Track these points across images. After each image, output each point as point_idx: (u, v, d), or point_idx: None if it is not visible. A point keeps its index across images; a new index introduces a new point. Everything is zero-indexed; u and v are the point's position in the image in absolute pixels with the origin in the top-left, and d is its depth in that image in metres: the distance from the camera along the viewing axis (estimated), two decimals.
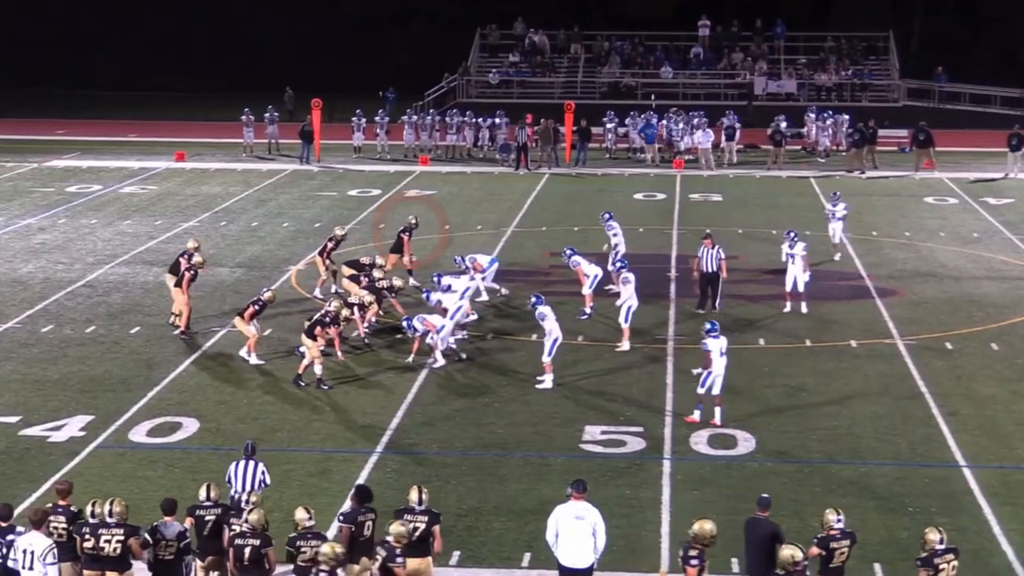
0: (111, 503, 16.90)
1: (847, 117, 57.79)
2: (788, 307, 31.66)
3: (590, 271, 31.60)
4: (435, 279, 30.36)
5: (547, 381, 26.63)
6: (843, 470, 22.38)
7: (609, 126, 57.33)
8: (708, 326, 25.14)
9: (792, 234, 32.42)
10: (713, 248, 31.61)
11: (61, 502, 17.38)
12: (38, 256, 37.90)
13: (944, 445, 23.50)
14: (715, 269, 31.44)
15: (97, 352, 28.86)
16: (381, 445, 23.48)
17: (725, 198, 47.06)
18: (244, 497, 17.85)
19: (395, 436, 23.94)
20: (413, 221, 34.89)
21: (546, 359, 26.69)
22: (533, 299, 27.54)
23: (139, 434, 24.01)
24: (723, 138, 55.09)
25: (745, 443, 23.56)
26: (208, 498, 17.63)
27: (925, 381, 26.76)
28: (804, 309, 31.55)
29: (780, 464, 22.64)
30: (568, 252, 32.65)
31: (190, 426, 24.37)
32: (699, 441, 23.60)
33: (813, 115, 57.94)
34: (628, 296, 29.13)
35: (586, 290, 31.58)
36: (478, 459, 22.87)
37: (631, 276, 29.37)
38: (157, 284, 33.65)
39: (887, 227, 41.97)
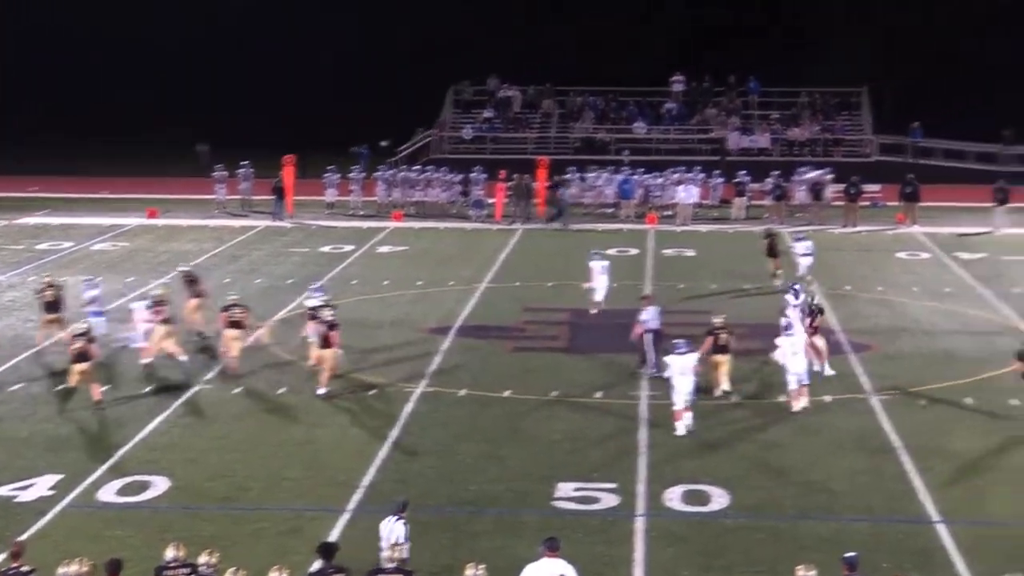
0: (78, 563, 16.80)
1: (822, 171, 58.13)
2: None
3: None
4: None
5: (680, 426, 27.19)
6: (817, 526, 22.35)
7: (573, 179, 57.36)
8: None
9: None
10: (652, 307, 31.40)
11: (13, 564, 17.29)
12: (8, 313, 37.75)
13: (918, 501, 23.49)
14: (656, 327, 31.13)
15: (66, 410, 28.70)
16: (354, 502, 23.36)
17: (699, 253, 47.19)
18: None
19: (368, 493, 23.83)
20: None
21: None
22: None
23: (108, 493, 23.84)
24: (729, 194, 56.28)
25: (719, 499, 23.52)
26: (175, 558, 17.52)
27: (899, 436, 26.78)
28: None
29: (755, 520, 22.61)
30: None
31: (160, 485, 24.21)
32: (673, 497, 23.54)
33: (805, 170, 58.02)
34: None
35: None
36: (452, 516, 22.78)
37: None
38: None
39: (860, 282, 42.11)
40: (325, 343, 29.65)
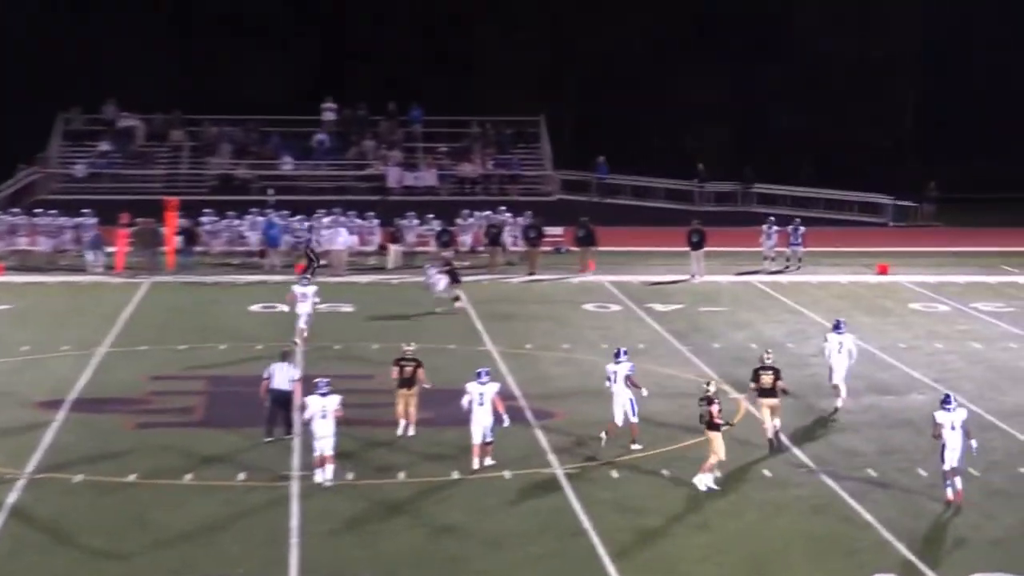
0: None
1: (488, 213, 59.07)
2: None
3: None
4: None
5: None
6: None
7: (209, 226, 56.98)
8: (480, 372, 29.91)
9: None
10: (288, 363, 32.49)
11: None
12: None
13: None
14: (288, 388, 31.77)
15: None
16: None
17: (358, 307, 47.27)
18: None
19: None
20: None
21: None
22: None
23: None
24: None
25: None
26: None
27: (589, 516, 27.20)
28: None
29: None
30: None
31: None
32: None
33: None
34: None
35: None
36: None
37: None
38: None
39: (542, 338, 42.82)
40: None
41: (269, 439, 31.44)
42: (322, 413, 28.70)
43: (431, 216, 57.80)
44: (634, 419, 31.57)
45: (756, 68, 79.69)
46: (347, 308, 47.41)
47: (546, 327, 44.70)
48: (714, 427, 28.99)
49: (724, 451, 29.11)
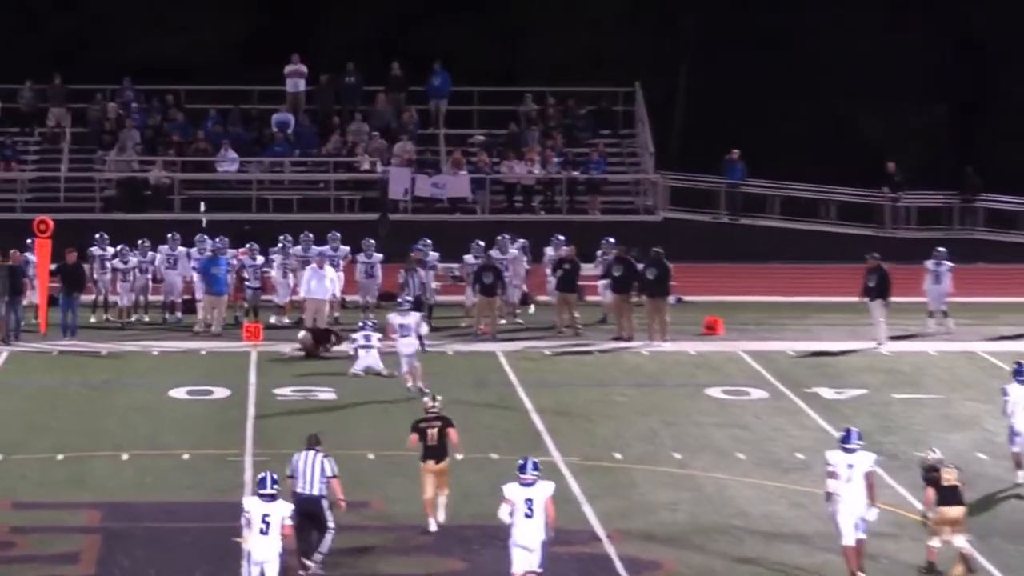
0: None
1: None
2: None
3: None
4: None
5: None
6: None
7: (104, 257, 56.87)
8: None
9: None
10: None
11: None
12: None
13: None
14: None
15: None
16: None
17: (342, 395, 47.17)
18: None
19: None
20: None
21: None
22: None
23: None
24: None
25: None
26: None
27: None
28: None
29: None
30: None
31: None
32: None
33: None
34: None
35: None
36: None
37: None
38: None
39: (640, 444, 42.67)
40: None
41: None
42: (263, 526, 28.73)
43: (481, 243, 57.27)
44: (862, 535, 31.76)
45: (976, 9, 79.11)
46: (327, 395, 47.32)
47: (646, 425, 44.64)
48: None
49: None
